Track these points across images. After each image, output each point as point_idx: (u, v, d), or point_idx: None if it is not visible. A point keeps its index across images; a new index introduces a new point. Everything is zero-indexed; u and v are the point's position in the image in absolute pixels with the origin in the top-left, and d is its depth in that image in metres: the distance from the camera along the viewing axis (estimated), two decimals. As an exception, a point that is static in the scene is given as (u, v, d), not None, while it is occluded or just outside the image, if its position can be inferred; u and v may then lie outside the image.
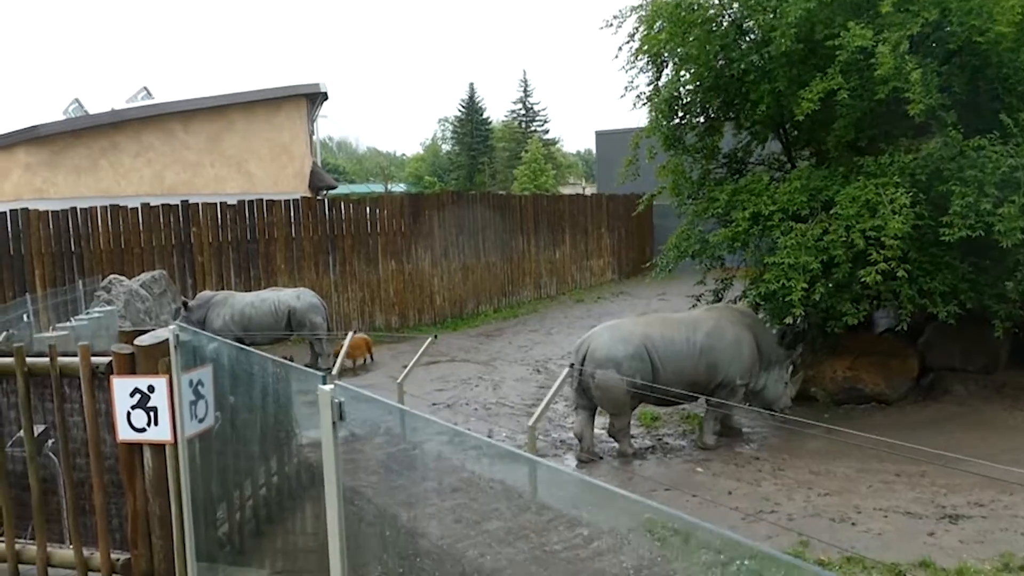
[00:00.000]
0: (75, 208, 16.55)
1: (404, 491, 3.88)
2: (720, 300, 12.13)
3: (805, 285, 9.33)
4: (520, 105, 64.85)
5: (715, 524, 2.19)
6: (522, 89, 64.52)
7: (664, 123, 12.01)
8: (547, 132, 63.47)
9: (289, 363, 4.09)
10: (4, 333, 6.74)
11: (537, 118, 64.37)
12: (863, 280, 9.16)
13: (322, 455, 2.72)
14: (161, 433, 3.63)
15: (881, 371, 11.33)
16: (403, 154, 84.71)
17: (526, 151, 50.06)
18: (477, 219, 20.19)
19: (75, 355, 4.16)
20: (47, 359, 4.28)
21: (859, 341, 11.77)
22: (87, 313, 12.34)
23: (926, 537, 6.94)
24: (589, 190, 43.64)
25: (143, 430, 3.69)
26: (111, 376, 3.83)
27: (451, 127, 67.10)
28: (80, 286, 15.47)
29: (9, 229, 16.04)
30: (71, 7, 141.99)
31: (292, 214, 17.93)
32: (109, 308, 12.84)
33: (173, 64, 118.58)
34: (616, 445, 9.68)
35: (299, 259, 17.82)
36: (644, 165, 13.19)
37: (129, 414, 3.69)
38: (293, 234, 17.85)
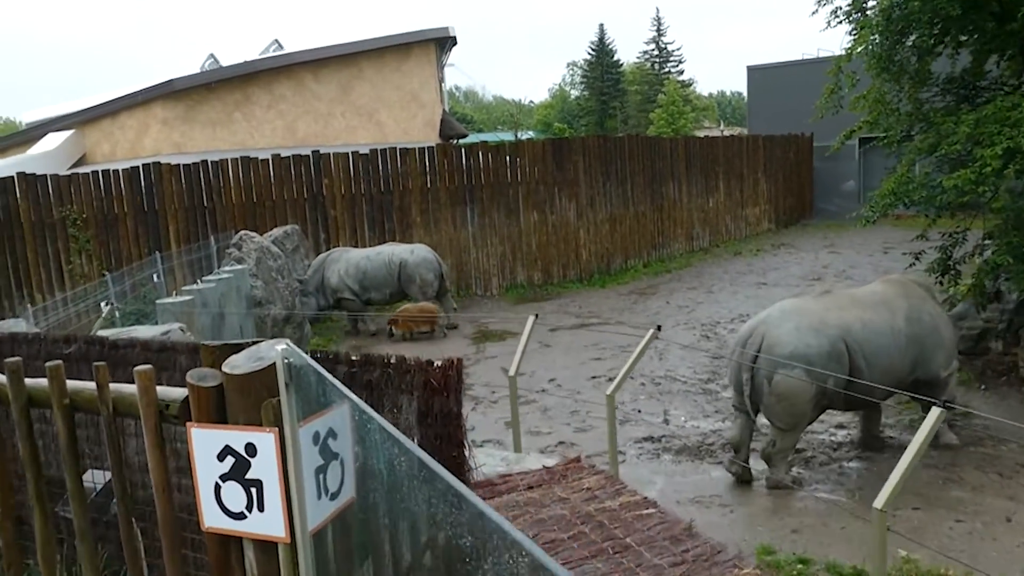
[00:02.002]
0: (206, 161, 15.84)
1: None
2: (949, 259, 9.66)
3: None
4: (653, 45, 61.40)
5: None
6: (655, 28, 61.07)
7: (879, 42, 9.67)
8: (681, 73, 59.94)
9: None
10: (108, 305, 5.50)
11: (671, 58, 60.82)
12: None
13: None
14: (270, 524, 2.15)
15: None
16: (530, 101, 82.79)
17: (662, 93, 47.18)
18: (625, 165, 18.27)
19: (146, 370, 2.71)
20: (94, 386, 2.84)
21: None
22: (216, 273, 11.41)
23: None
24: (727, 133, 40.65)
25: (241, 516, 2.21)
26: (187, 422, 2.35)
27: (580, 71, 64.62)
28: (212, 242, 14.78)
29: (143, 184, 15.51)
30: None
31: (427, 163, 16.63)
32: (239, 267, 11.90)
33: (303, 16, 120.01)
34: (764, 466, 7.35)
35: (435, 211, 16.52)
36: (809, 100, 10.91)
37: (218, 488, 2.21)
38: (428, 184, 16.56)
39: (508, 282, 16.91)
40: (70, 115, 22.01)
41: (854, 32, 10.25)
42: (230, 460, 2.20)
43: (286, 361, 2.16)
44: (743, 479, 7.25)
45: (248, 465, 2.17)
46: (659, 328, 7.04)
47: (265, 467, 2.14)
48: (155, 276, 12.93)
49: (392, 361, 3.46)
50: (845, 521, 6.24)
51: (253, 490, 2.17)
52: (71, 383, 3.00)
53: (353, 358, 3.59)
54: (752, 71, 28.22)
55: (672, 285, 16.85)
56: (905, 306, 7.47)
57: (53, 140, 21.34)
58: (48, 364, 2.96)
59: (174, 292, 9.69)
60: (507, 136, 48.85)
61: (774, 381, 6.97)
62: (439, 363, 3.34)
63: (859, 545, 5.69)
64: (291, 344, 2.30)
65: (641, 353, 6.96)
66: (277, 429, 2.15)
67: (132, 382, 2.79)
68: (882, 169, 25.51)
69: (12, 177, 15.20)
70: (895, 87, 10.71)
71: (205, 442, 2.24)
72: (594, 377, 10.62)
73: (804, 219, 25.84)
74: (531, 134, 58.88)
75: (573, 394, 9.94)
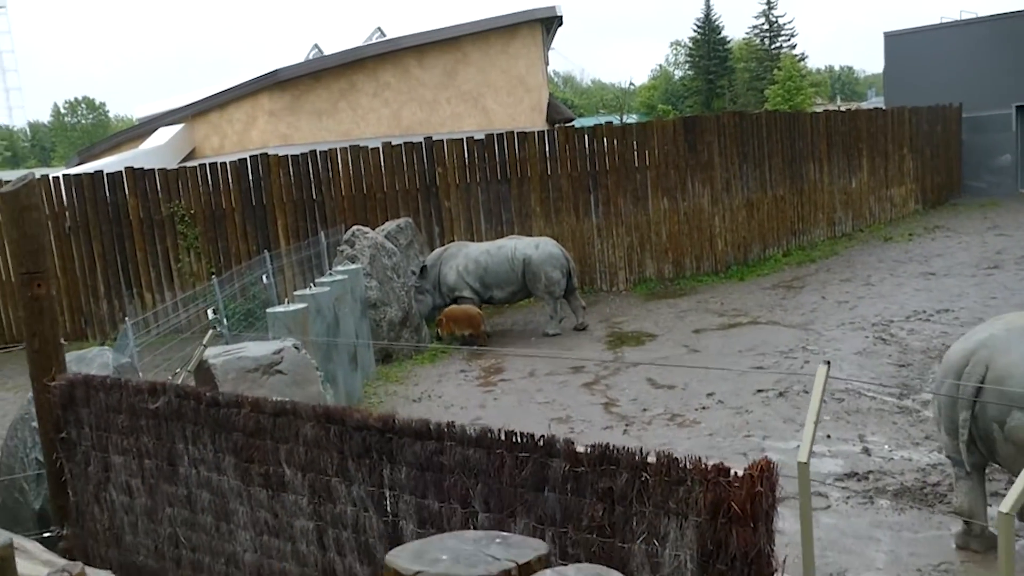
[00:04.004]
0: (315, 151, 14.99)
1: None
2: None
3: None
4: (763, 20, 58.21)
5: None
6: (765, 2, 57.77)
7: None
8: (794, 47, 56.59)
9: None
10: (212, 314, 4.40)
11: (782, 32, 57.53)
12: None
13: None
14: None
15: None
16: (631, 84, 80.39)
17: (778, 69, 44.47)
18: (763, 144, 16.49)
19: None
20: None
21: None
22: (330, 274, 10.39)
23: None
24: (843, 108, 37.81)
25: None
26: None
27: (685, 50, 62.24)
28: (323, 237, 13.91)
29: (250, 177, 14.78)
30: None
31: (547, 148, 15.30)
32: (353, 267, 10.86)
33: (406, 2, 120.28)
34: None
35: (556, 200, 15.17)
36: (953, 66, 9.00)
37: None
38: (548, 171, 15.23)
39: (636, 276, 15.42)
40: (179, 109, 21.67)
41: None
42: None
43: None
44: (989, 547, 5.52)
45: None
46: (828, 364, 5.09)
47: None
48: (264, 277, 12.04)
49: (649, 460, 2.07)
50: None
51: None
52: None
53: (583, 449, 2.22)
54: (890, 38, 25.65)
55: (821, 276, 15.00)
56: None
57: (163, 135, 21.03)
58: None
59: (286, 299, 8.62)
60: (609, 120, 47.20)
61: (1009, 426, 5.05)
62: (739, 471, 1.93)
63: None
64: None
65: (820, 400, 5.23)
66: None
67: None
68: (1046, 139, 22.79)
69: (120, 172, 14.64)
70: None
71: None
72: (760, 391, 9.03)
73: (953, 198, 23.32)
74: (634, 117, 56.92)
75: (741, 413, 8.40)
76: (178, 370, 5.50)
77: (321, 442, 2.81)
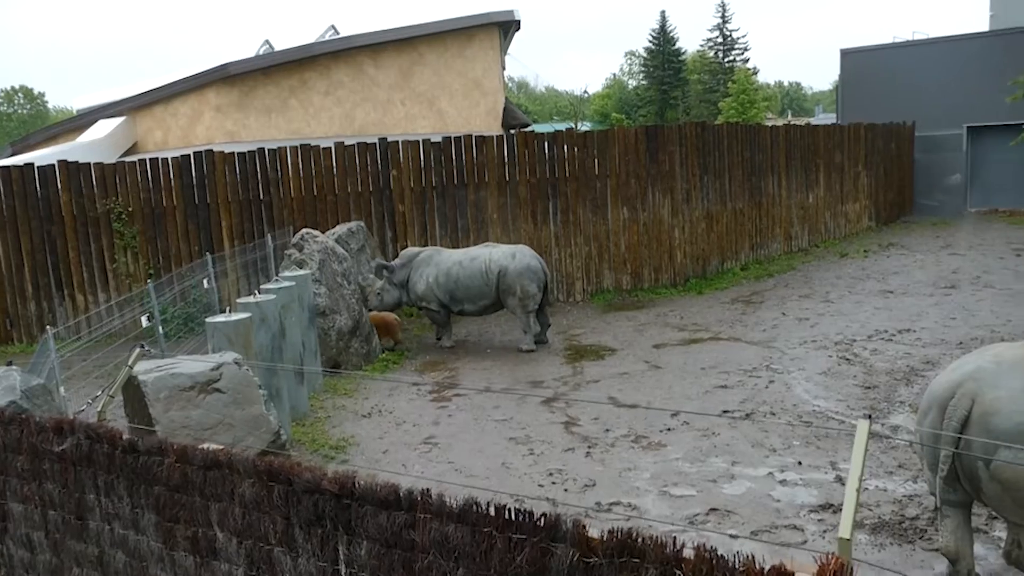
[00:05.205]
0: (263, 149, 14.29)
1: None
2: None
3: None
4: (717, 33, 58.69)
5: None
6: (719, 15, 58.23)
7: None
8: (747, 61, 57.15)
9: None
10: (137, 349, 3.82)
11: (736, 46, 58.05)
12: None
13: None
14: None
15: None
16: (584, 92, 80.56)
17: (732, 82, 44.74)
18: (724, 155, 16.26)
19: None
20: None
21: None
22: (276, 279, 9.78)
23: None
24: (794, 123, 38.25)
25: None
26: None
27: (639, 60, 62.43)
28: (270, 240, 13.29)
29: (194, 174, 14.04)
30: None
31: (505, 153, 14.81)
32: (302, 272, 10.27)
33: (361, 2, 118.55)
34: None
35: (514, 207, 14.73)
36: (908, 84, 8.84)
37: None
38: (507, 177, 14.76)
39: (594, 286, 15.04)
40: (122, 101, 20.71)
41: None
42: None
43: None
44: None
45: None
46: (871, 418, 4.59)
47: None
48: (206, 281, 11.37)
49: (685, 554, 1.60)
50: None
51: None
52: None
53: (597, 534, 1.75)
54: (846, 55, 25.84)
55: (780, 292, 14.80)
56: None
57: (103, 127, 20.05)
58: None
59: (228, 307, 7.99)
60: (563, 128, 47.07)
61: (995, 464, 4.71)
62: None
63: None
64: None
65: (863, 462, 4.78)
66: None
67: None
68: (993, 161, 23.15)
69: (53, 165, 13.76)
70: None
71: None
72: (727, 412, 8.68)
73: (904, 216, 23.51)
74: (588, 125, 56.94)
75: (708, 435, 8.03)
76: (99, 393, 4.90)
77: (262, 504, 2.30)
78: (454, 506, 1.91)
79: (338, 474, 2.15)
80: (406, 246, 14.03)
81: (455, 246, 14.15)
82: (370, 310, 12.24)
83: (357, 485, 2.11)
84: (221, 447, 2.81)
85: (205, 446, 2.70)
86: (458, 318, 12.75)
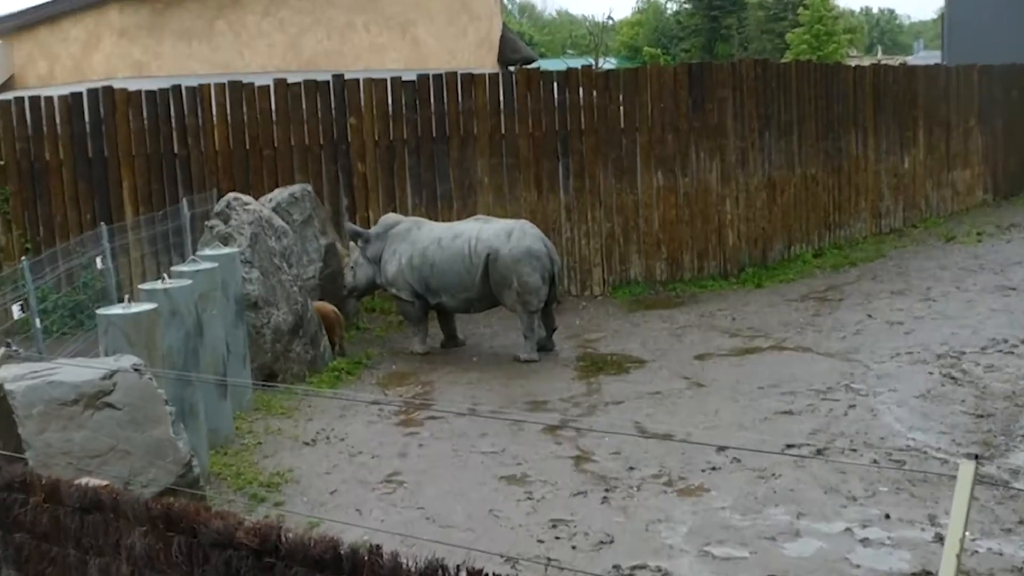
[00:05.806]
0: (179, 87, 14.49)
1: None
2: None
3: None
4: (785, -56, 59.13)
5: None
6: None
7: None
8: (823, -17, 57.58)
9: None
10: (3, 348, 3.83)
11: (810, -36, 58.52)
12: None
13: None
14: None
15: None
16: (608, 19, 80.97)
17: (804, 7, 45.07)
18: (791, 105, 16.41)
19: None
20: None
21: None
22: (193, 259, 9.92)
23: None
24: (885, 62, 38.42)
25: None
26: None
27: (682, -22, 63.00)
28: (185, 207, 13.54)
29: (88, 119, 14.36)
30: None
31: (501, 97, 15.00)
32: (227, 250, 10.44)
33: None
34: None
35: (511, 168, 14.97)
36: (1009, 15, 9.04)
37: None
38: (503, 129, 14.98)
39: (617, 276, 15.22)
40: (-8, 20, 20.92)
41: None
42: None
43: None
44: None
45: None
46: (977, 458, 4.43)
47: None
48: (100, 259, 11.47)
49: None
50: None
51: None
52: None
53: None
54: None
55: (865, 287, 14.98)
56: None
57: (-34, 55, 20.30)
58: None
59: (127, 297, 8.03)
60: (579, 63, 47.32)
61: None
62: None
63: None
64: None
65: (967, 512, 4.45)
66: None
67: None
68: None
69: None
70: None
71: None
72: (791, 446, 8.72)
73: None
74: (613, 62, 57.28)
75: (765, 477, 8.06)
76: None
77: (156, 560, 2.25)
78: (413, 568, 1.85)
79: (259, 524, 2.10)
80: (368, 216, 14.11)
81: (433, 219, 14.17)
82: (348, 291, 12.48)
83: (284, 539, 2.06)
84: (106, 483, 2.77)
85: (84, 481, 2.67)
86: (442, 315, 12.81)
